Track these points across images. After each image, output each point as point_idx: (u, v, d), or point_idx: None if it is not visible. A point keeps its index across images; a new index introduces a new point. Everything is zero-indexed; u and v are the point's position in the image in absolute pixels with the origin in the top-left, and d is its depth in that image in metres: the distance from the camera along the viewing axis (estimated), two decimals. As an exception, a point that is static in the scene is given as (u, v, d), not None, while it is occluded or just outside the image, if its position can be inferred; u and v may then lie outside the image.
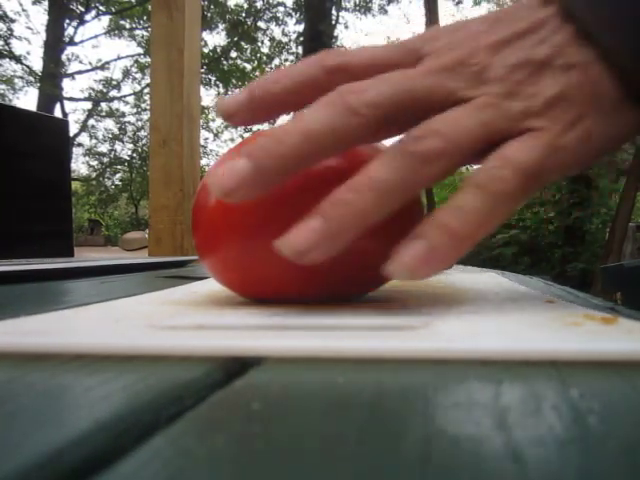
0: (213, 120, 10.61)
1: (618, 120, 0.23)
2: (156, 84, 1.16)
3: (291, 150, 0.20)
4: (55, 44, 9.16)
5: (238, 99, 0.23)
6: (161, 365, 0.15)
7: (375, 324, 0.19)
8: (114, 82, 10.31)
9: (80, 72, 10.05)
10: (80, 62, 10.43)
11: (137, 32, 10.17)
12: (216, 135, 10.68)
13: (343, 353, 0.15)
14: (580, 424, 0.10)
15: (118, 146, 10.26)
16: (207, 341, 0.16)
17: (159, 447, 0.09)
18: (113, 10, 9.94)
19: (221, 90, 10.20)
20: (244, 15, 9.58)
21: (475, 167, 0.22)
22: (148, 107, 1.20)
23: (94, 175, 10.32)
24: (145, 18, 9.53)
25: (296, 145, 0.20)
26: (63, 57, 9.66)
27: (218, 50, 9.71)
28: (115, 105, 10.48)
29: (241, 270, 0.25)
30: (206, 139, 10.31)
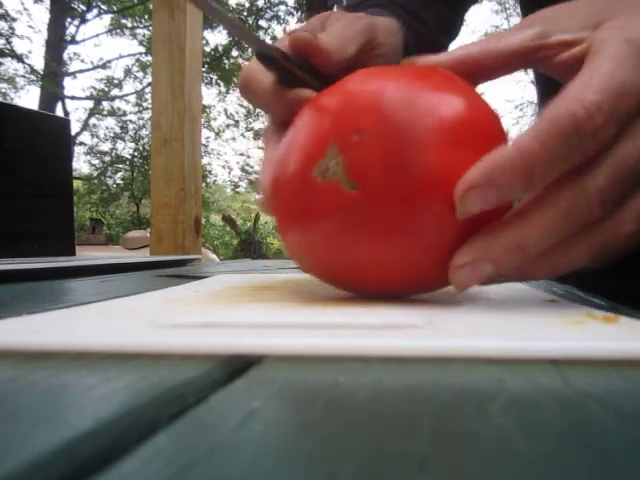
0: (214, 119, 10.62)
1: None
2: (157, 83, 1.16)
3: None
4: (57, 43, 9.16)
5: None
6: (162, 364, 0.15)
7: (377, 323, 0.19)
8: (115, 81, 10.31)
9: (82, 71, 10.05)
10: (82, 61, 10.45)
11: (138, 31, 10.17)
12: (217, 134, 10.67)
13: (345, 352, 0.15)
14: (581, 423, 0.10)
15: (119, 145, 10.27)
16: (208, 339, 0.16)
17: (161, 446, 0.09)
18: (115, 9, 9.94)
19: (222, 89, 10.20)
20: (245, 14, 9.58)
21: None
22: (149, 106, 1.20)
23: (95, 174, 10.32)
24: (147, 17, 9.53)
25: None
26: (65, 56, 9.66)
27: (219, 49, 9.71)
28: (116, 104, 10.48)
29: (318, 254, 0.25)
30: (207, 138, 10.29)
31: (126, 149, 10.27)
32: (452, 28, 0.52)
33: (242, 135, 10.68)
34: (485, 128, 0.23)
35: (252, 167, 10.92)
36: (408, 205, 0.22)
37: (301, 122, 0.25)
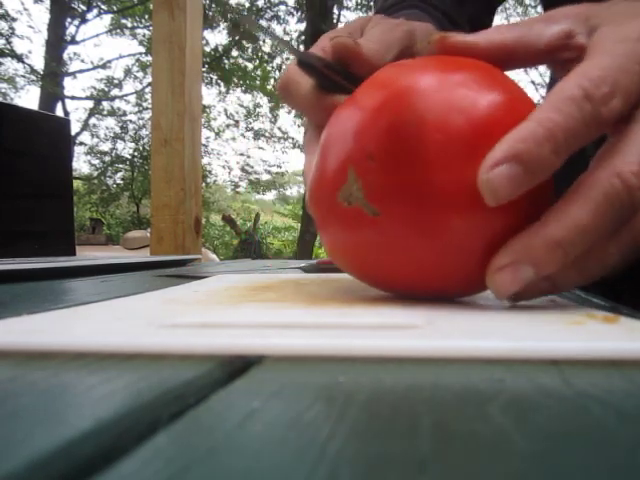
0: (214, 119, 10.62)
1: None
2: (158, 83, 1.16)
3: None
4: (57, 43, 9.16)
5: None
6: (162, 364, 0.15)
7: (378, 323, 0.19)
8: (116, 81, 10.31)
9: (82, 71, 10.05)
10: (82, 61, 10.43)
11: (139, 31, 10.16)
12: (217, 134, 10.67)
13: (345, 352, 0.15)
14: (581, 423, 0.10)
15: (120, 145, 10.26)
16: (208, 339, 0.16)
17: (161, 446, 0.09)
18: (115, 9, 9.94)
19: (222, 89, 10.20)
20: (245, 14, 9.58)
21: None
22: (149, 106, 1.20)
23: (95, 174, 10.32)
24: (147, 17, 9.53)
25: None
26: (65, 56, 9.66)
27: (219, 49, 9.71)
28: (117, 104, 10.48)
29: (351, 264, 0.26)
30: (207, 138, 10.29)
31: (126, 149, 10.27)
32: (482, 28, 0.52)
33: (242, 135, 10.68)
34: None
35: (252, 167, 10.92)
36: (429, 225, 0.22)
37: (325, 140, 0.25)
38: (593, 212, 0.20)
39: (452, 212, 0.22)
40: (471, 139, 0.21)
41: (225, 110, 10.61)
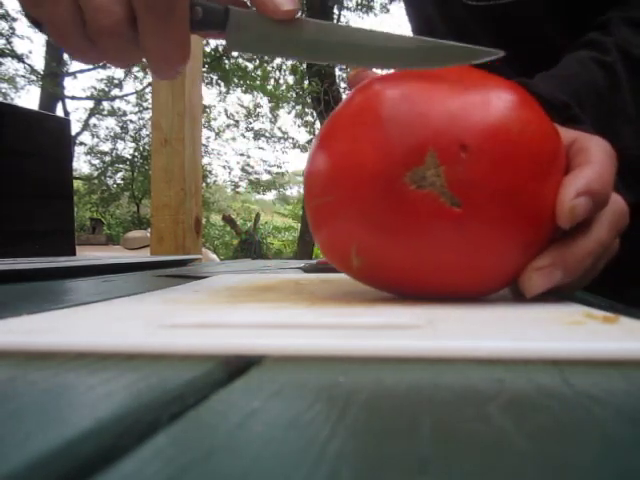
0: (214, 119, 10.61)
1: None
2: (158, 83, 1.16)
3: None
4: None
5: None
6: (162, 364, 0.15)
7: (378, 323, 0.19)
8: (116, 81, 10.30)
9: (82, 71, 10.03)
10: (82, 61, 10.43)
11: (139, 31, 10.13)
12: (217, 134, 10.67)
13: (345, 352, 0.15)
14: (581, 423, 0.10)
15: (120, 145, 10.24)
16: (208, 340, 0.16)
17: (161, 446, 0.09)
18: (115, 9, 9.93)
19: (222, 89, 10.20)
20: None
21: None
22: (150, 106, 1.20)
23: (96, 174, 10.31)
24: (147, 17, 9.50)
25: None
26: (65, 56, 9.66)
27: (219, 49, 9.71)
28: (117, 104, 10.46)
29: (380, 256, 0.24)
30: (208, 138, 10.27)
31: (126, 149, 10.25)
32: None
33: (242, 135, 10.67)
34: (564, 159, 0.25)
35: (252, 167, 10.91)
36: (506, 228, 0.23)
37: (386, 116, 0.23)
38: (607, 230, 0.25)
39: (524, 221, 0.23)
40: (551, 160, 0.24)
41: (225, 110, 10.60)
